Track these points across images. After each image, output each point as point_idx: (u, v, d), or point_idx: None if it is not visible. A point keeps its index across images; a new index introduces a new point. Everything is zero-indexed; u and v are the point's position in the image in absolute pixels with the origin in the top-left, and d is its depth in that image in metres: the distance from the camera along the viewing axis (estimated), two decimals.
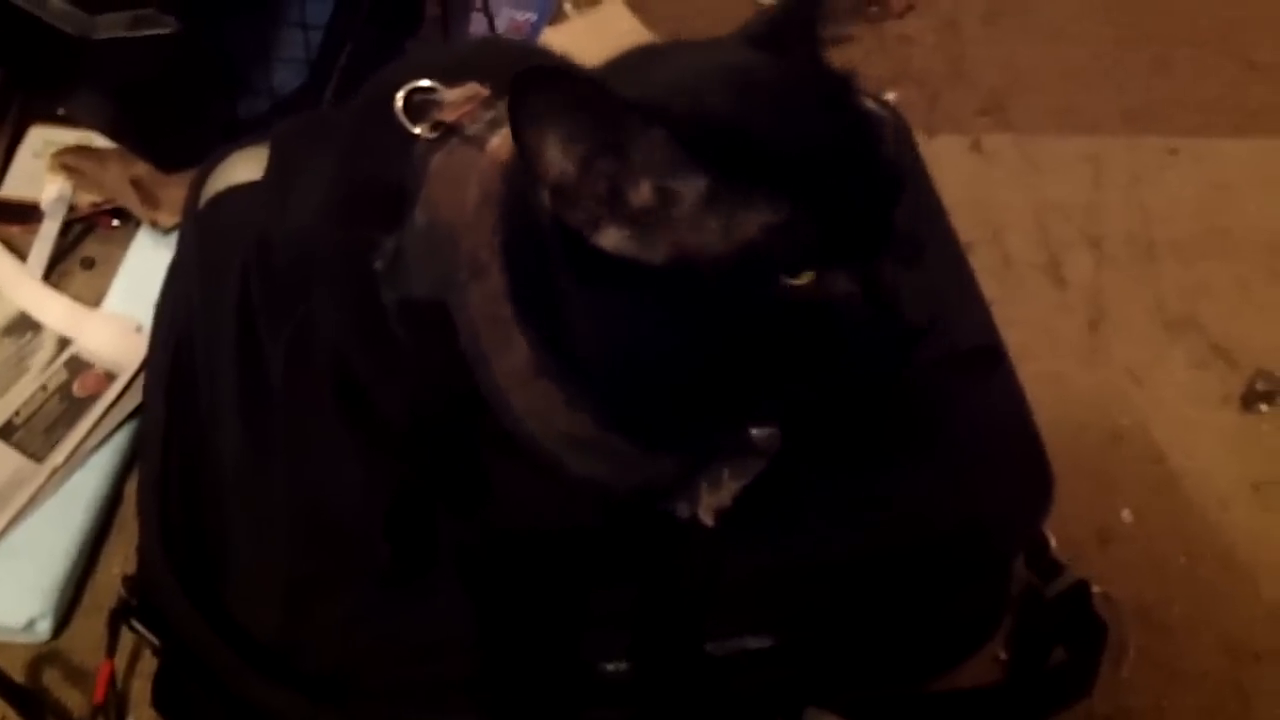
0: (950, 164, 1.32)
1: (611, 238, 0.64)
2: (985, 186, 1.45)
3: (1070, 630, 1.03)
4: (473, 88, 0.81)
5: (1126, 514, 1.20)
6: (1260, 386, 1.28)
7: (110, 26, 1.18)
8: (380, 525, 0.90)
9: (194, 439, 0.98)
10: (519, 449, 0.71)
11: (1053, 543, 1.05)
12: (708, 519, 0.75)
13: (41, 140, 1.42)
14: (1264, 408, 1.28)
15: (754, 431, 0.73)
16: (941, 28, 1.63)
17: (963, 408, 0.98)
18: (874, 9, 1.63)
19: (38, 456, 1.16)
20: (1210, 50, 1.62)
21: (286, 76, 1.36)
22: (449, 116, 0.75)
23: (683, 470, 0.73)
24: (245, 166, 1.11)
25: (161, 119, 1.31)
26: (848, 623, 0.94)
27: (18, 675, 1.04)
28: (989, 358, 1.01)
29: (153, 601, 0.93)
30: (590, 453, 0.70)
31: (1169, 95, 1.57)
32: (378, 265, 0.80)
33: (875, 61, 1.58)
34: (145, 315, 1.11)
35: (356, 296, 0.83)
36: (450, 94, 0.80)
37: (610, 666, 0.90)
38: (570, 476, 0.71)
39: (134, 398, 1.18)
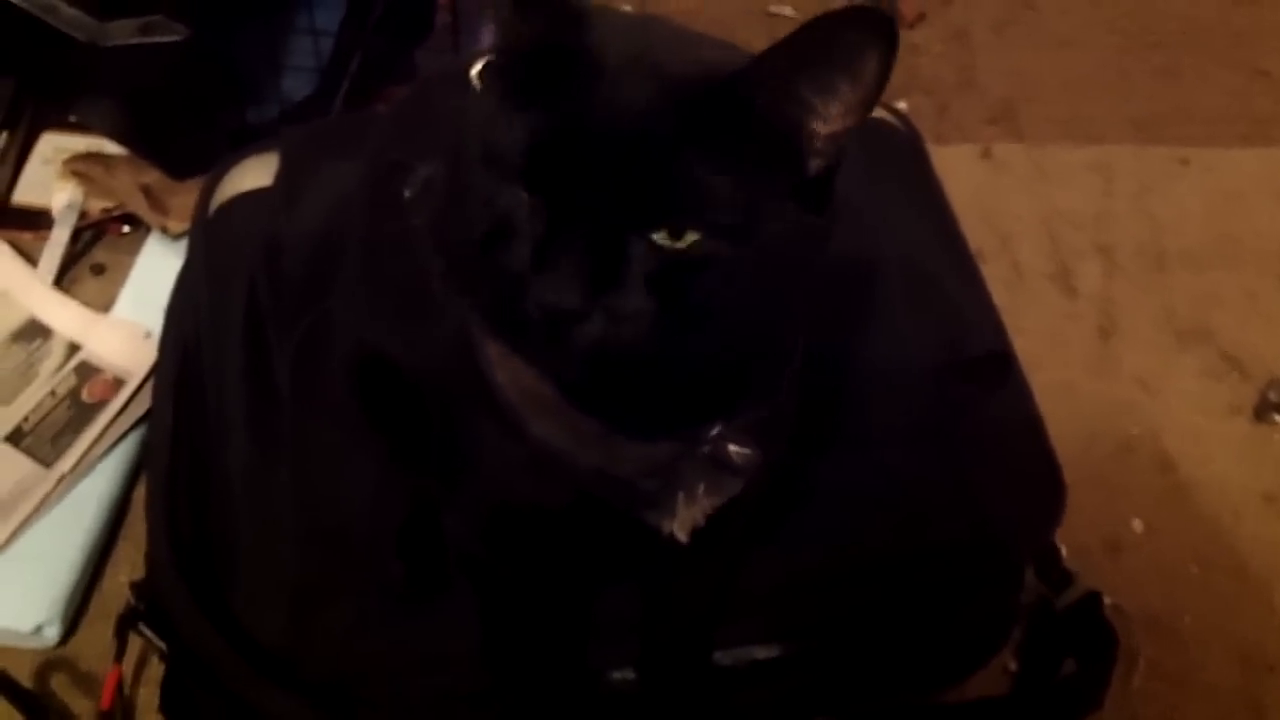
0: (960, 173, 1.31)
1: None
2: (995, 195, 1.45)
3: (1081, 641, 1.02)
4: None
5: (1137, 524, 1.19)
6: (1272, 396, 1.28)
7: (121, 33, 1.18)
8: (390, 532, 0.90)
9: (201, 444, 0.99)
10: (495, 405, 0.70)
11: (1064, 553, 1.04)
12: (682, 535, 0.74)
13: (52, 147, 1.42)
14: (1277, 417, 1.27)
15: (732, 449, 0.71)
16: (951, 37, 1.63)
17: (974, 415, 0.98)
18: None
19: (46, 462, 1.15)
20: (1218, 59, 1.62)
21: (296, 84, 1.36)
22: None
23: (652, 470, 0.72)
24: (254, 174, 1.12)
25: (171, 126, 1.31)
26: (857, 632, 0.94)
27: (25, 681, 1.03)
28: (1001, 365, 1.01)
29: (160, 606, 0.93)
30: (551, 417, 0.69)
31: (1177, 104, 1.56)
32: (407, 193, 0.80)
33: None
34: (154, 321, 1.11)
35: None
36: None
37: (617, 675, 0.90)
38: (533, 440, 0.70)
39: (142, 403, 1.17)
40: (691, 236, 0.59)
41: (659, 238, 0.59)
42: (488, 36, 1.46)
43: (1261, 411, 1.28)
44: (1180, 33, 1.64)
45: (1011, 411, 1.01)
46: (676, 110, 0.59)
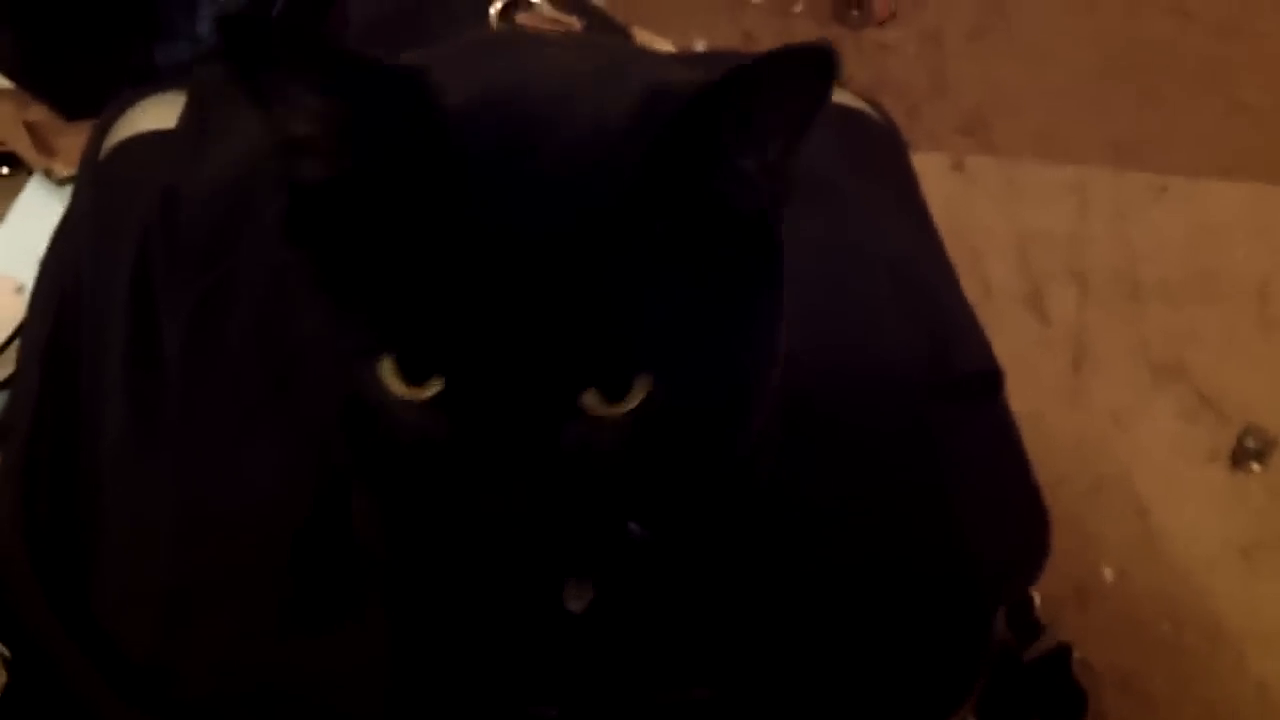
0: (930, 183, 1.23)
1: None
2: (966, 209, 1.40)
3: (1047, 698, 0.97)
4: (572, 19, 0.78)
5: (1108, 572, 1.15)
6: (1250, 443, 1.23)
7: None
8: (287, 532, 0.79)
9: (70, 418, 0.87)
10: None
11: (1037, 600, 0.99)
12: (574, 606, 0.70)
13: None
14: (1254, 466, 1.23)
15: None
16: (923, 39, 1.58)
17: (957, 438, 0.89)
18: (855, 13, 1.57)
19: None
20: (1198, 88, 1.58)
21: (213, 22, 1.24)
22: (524, 19, 0.70)
23: None
24: (156, 114, 1.00)
25: (66, 59, 1.20)
26: (811, 673, 0.83)
27: None
28: (990, 385, 0.92)
29: (7, 605, 0.83)
30: None
31: (1157, 130, 1.52)
32: None
33: (853, 69, 1.53)
34: (29, 275, 0.98)
35: None
36: (548, 10, 0.77)
37: (538, 711, 0.79)
38: None
39: (5, 367, 1.07)
40: (640, 387, 0.52)
41: (596, 404, 0.52)
42: None
43: (1238, 459, 1.23)
44: (1160, 57, 1.60)
45: (996, 439, 0.92)
46: (581, 218, 0.51)
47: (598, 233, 0.51)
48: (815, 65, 0.50)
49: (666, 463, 0.58)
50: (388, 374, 0.52)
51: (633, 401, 0.52)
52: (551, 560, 0.66)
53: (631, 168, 0.52)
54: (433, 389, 0.52)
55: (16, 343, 1.03)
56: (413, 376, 0.52)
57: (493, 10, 0.76)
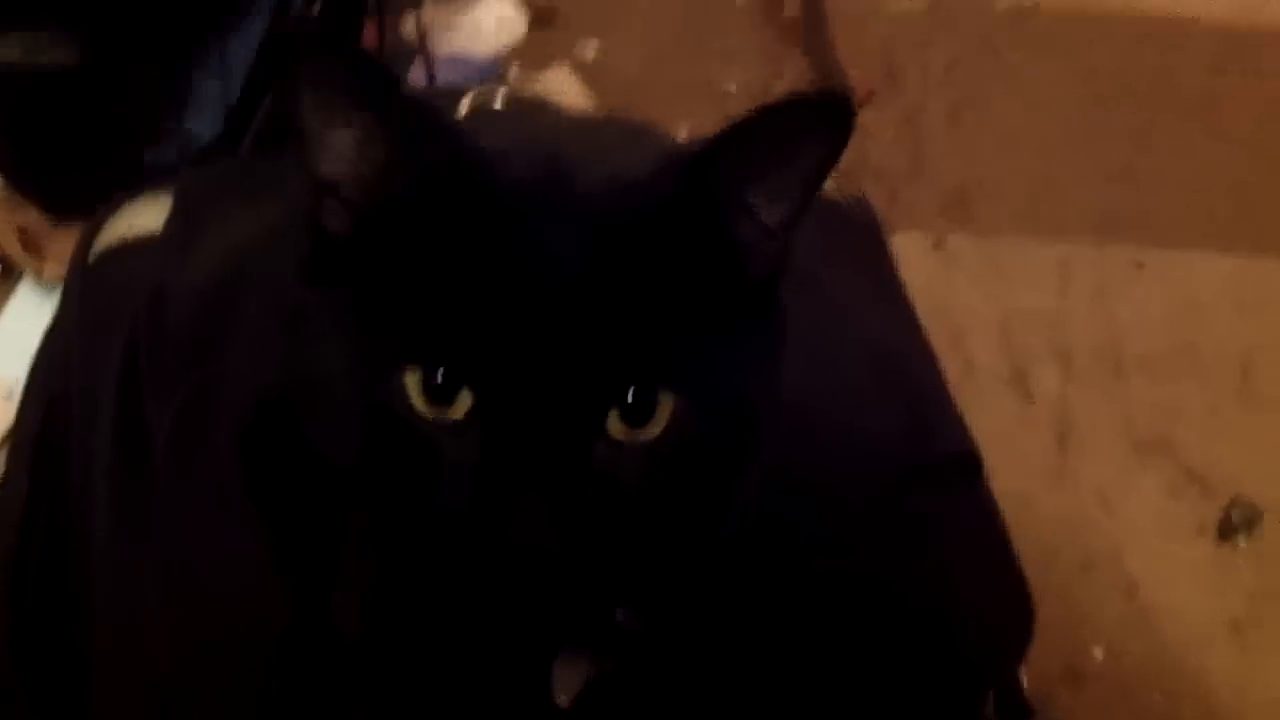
0: (911, 263, 1.24)
1: None
2: (947, 288, 1.39)
3: None
4: None
5: (1098, 651, 1.13)
6: (1236, 516, 1.22)
7: (3, 54, 1.07)
8: (268, 635, 0.78)
9: (60, 522, 0.86)
10: None
11: (1025, 683, 0.96)
12: (562, 699, 0.67)
13: None
14: (1241, 540, 1.21)
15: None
16: (902, 121, 1.58)
17: (939, 523, 0.89)
18: None
19: None
20: (1176, 160, 1.57)
21: (201, 124, 1.25)
22: None
23: None
24: (145, 217, 0.99)
25: (56, 162, 1.21)
26: None
27: None
28: (970, 468, 0.92)
29: None
30: None
31: (1137, 205, 1.52)
32: None
33: None
34: (20, 378, 0.98)
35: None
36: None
37: None
38: None
39: None
40: (664, 407, 0.54)
41: (622, 430, 0.54)
42: (415, 75, 1.38)
43: (1225, 532, 1.22)
44: (1140, 131, 1.60)
45: (976, 523, 0.92)
46: (609, 248, 0.53)
47: (621, 265, 0.53)
48: (826, 112, 0.53)
49: (676, 512, 0.58)
50: (416, 394, 0.53)
51: (656, 428, 0.54)
52: (550, 628, 0.65)
53: (653, 206, 0.54)
54: (462, 408, 0.53)
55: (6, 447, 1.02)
56: (440, 398, 0.53)
57: (461, 112, 0.76)
